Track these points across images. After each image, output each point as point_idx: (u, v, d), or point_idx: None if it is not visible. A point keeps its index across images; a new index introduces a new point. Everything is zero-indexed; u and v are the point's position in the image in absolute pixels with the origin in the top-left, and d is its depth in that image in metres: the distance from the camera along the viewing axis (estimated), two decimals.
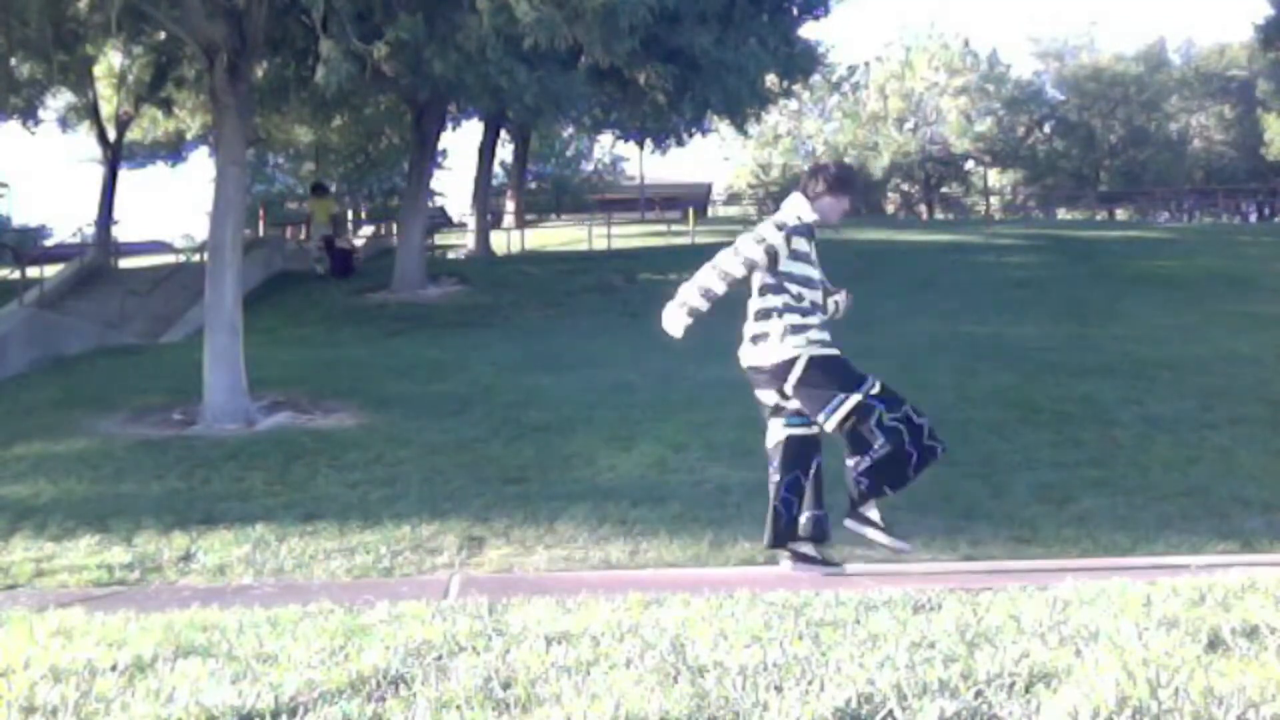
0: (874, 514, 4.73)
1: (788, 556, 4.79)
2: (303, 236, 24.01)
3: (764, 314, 4.72)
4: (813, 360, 4.62)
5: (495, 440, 8.05)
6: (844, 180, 4.90)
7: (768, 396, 4.80)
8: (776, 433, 4.79)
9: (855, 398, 4.54)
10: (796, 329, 4.65)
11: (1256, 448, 7.54)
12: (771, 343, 4.68)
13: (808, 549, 4.78)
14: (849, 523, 4.77)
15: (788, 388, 4.67)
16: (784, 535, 4.75)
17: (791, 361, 4.63)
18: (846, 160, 36.06)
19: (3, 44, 12.02)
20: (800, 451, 4.75)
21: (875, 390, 4.58)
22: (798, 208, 4.83)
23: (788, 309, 4.67)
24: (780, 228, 4.72)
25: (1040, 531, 5.73)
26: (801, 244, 4.72)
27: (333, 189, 26.74)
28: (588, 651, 2.68)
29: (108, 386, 10.65)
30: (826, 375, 4.62)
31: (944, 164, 44.02)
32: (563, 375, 10.59)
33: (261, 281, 18.06)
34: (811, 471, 4.75)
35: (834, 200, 4.83)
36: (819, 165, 5.02)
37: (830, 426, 4.60)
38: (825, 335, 4.71)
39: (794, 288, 4.69)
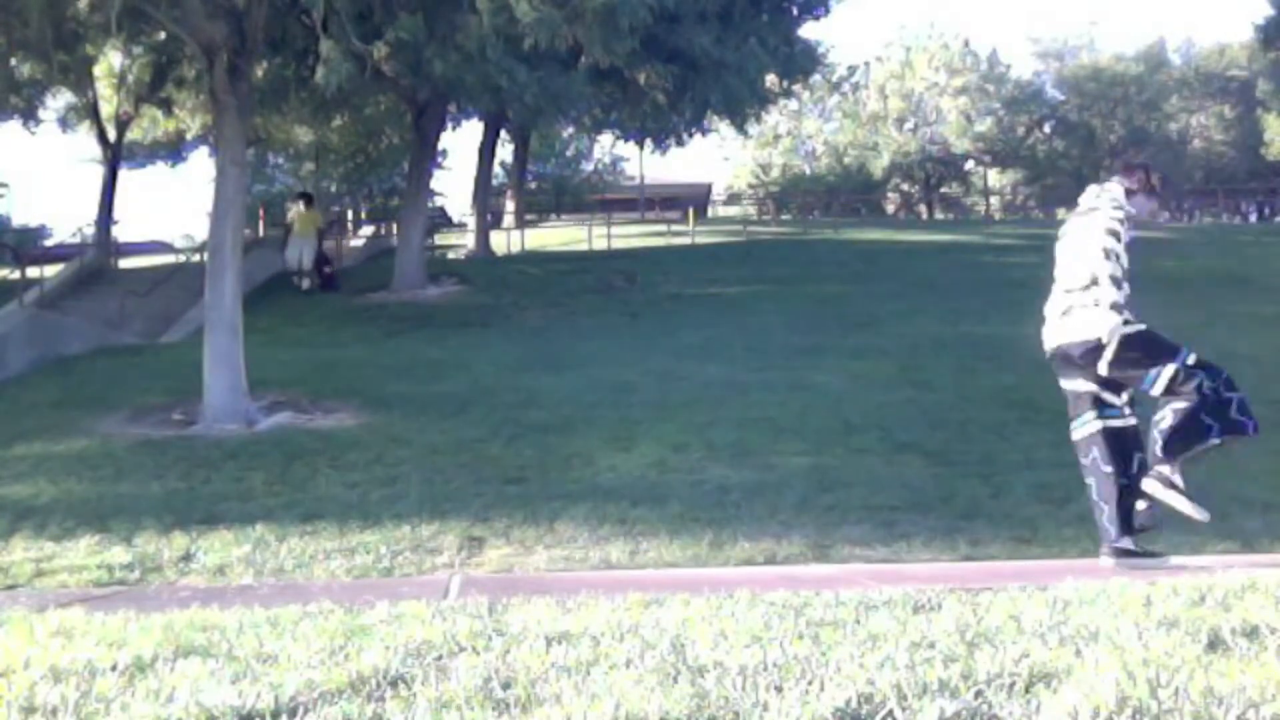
0: (1177, 479, 4.70)
1: (1108, 553, 4.68)
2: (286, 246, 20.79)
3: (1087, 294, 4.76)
4: (1127, 337, 4.67)
5: (495, 440, 8.04)
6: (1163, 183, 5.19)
7: (1080, 385, 4.80)
8: (1090, 425, 4.77)
9: (1173, 366, 4.59)
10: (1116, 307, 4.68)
11: (1256, 448, 7.50)
12: (1088, 320, 4.70)
13: (1128, 544, 4.69)
14: (1147, 485, 4.72)
15: (1102, 367, 4.69)
16: (1125, 525, 4.66)
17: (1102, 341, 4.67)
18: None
19: (3, 44, 12.03)
20: (1118, 445, 4.74)
21: (1192, 360, 4.62)
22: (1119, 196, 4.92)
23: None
24: (1119, 208, 4.85)
25: (1040, 531, 5.73)
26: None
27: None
28: (588, 651, 2.68)
29: (108, 386, 10.65)
30: (1143, 349, 4.67)
31: (944, 164, 44.06)
32: (563, 375, 10.59)
33: (262, 281, 18.05)
34: (1134, 468, 4.73)
35: (1146, 200, 5.02)
36: (1141, 163, 5.22)
37: (1158, 391, 4.64)
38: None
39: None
